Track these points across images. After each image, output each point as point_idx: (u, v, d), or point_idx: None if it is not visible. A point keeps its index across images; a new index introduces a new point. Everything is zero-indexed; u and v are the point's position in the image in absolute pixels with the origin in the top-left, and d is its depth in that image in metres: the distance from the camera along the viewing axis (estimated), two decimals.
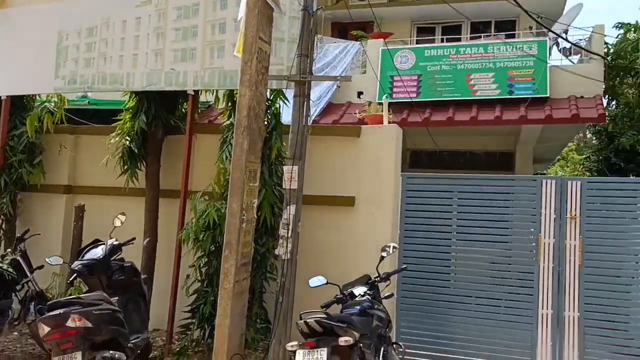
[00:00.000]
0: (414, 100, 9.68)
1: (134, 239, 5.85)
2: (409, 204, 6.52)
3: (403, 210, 6.51)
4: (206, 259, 5.99)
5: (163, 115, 6.98)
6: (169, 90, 6.73)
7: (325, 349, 4.01)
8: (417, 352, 6.34)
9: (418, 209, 6.51)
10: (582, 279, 5.83)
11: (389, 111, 6.91)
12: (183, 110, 7.26)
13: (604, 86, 9.72)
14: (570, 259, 5.91)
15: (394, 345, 5.23)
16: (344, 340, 4.12)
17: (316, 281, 5.15)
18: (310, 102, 10.42)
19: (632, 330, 5.75)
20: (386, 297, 5.35)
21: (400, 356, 5.14)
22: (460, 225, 6.33)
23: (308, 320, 4.17)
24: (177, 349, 5.99)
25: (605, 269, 5.85)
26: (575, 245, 5.91)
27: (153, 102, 6.92)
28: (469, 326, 6.17)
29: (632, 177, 6.67)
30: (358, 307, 4.89)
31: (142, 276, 5.84)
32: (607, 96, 11.35)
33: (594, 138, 14.27)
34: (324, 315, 4.21)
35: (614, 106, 11.82)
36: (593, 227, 5.89)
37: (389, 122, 6.35)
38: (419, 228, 6.49)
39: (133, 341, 4.92)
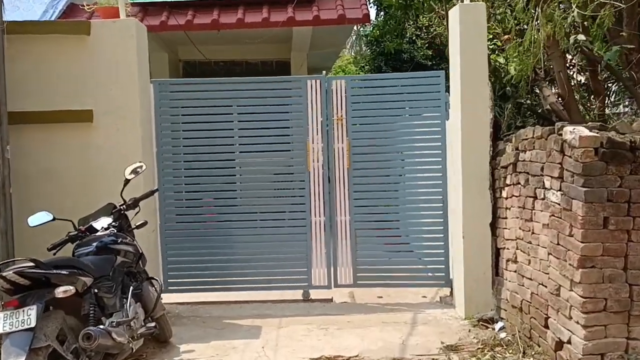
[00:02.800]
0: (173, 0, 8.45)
1: None
2: (166, 116, 5.60)
3: (159, 124, 5.57)
4: None
5: None
6: None
7: (35, 306, 3.04)
8: (189, 279, 5.71)
9: (181, 121, 5.64)
10: (351, 182, 5.63)
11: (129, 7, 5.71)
12: None
13: None
14: (338, 163, 5.64)
15: (152, 281, 4.44)
16: (62, 291, 3.18)
17: (39, 218, 4.03)
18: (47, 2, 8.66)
19: (401, 226, 5.79)
20: (138, 227, 4.48)
21: (158, 292, 4.37)
22: (226, 135, 5.64)
23: (5, 274, 3.11)
24: None
25: (373, 170, 5.72)
26: (342, 148, 5.64)
27: None
28: (249, 245, 5.69)
29: (392, 73, 6.58)
30: (95, 244, 3.96)
31: None
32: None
33: (368, 49, 14.62)
34: (30, 264, 3.18)
35: (382, 15, 11.95)
36: (359, 128, 5.66)
37: (127, 16, 5.18)
38: (187, 143, 5.65)
39: None
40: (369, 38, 13.03)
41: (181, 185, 5.76)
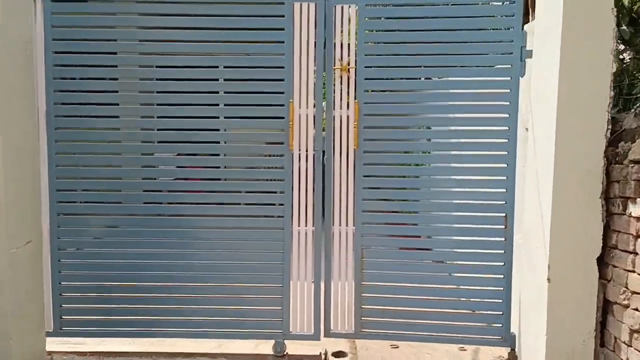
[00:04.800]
0: None
1: None
2: (67, 54, 3.45)
3: (49, 65, 3.42)
4: None
5: None
6: None
7: None
8: (95, 318, 3.63)
9: (88, 63, 3.49)
10: (358, 172, 3.49)
11: None
12: None
13: None
14: (340, 140, 3.50)
15: None
16: None
17: None
18: None
19: (420, 222, 3.65)
20: None
21: None
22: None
23: None
24: None
25: (395, 155, 3.60)
26: (348, 117, 3.48)
27: None
28: (193, 268, 3.60)
29: None
30: None
31: None
32: None
33: None
34: None
35: None
36: (376, 85, 3.48)
37: None
38: (104, 99, 3.52)
39: None
40: None
41: (88, 169, 3.60)
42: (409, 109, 3.58)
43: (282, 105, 3.43)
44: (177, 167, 3.63)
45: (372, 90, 3.45)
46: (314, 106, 3.46)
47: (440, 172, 3.61)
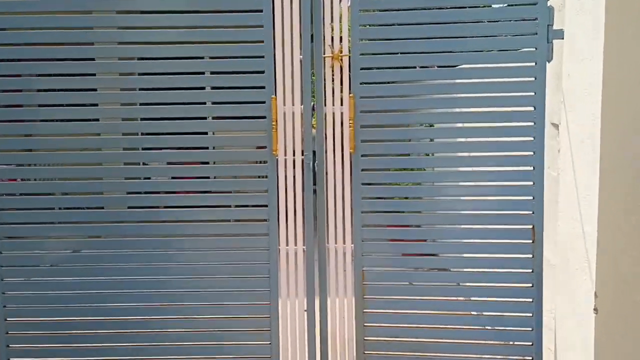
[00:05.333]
0: None
1: None
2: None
3: None
4: None
5: None
6: None
7: None
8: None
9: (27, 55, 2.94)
10: (355, 180, 2.93)
11: None
12: None
13: None
14: (334, 142, 2.94)
15: None
16: None
17: None
18: None
19: (431, 237, 3.16)
20: None
21: None
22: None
23: None
24: None
25: (399, 159, 3.04)
26: (342, 115, 2.93)
27: None
28: (160, 299, 3.02)
29: None
30: None
31: None
32: None
33: None
34: None
35: None
36: (375, 76, 2.92)
37: None
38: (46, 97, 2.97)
39: None
40: None
41: (34, 184, 3.03)
42: (415, 103, 3.04)
43: (264, 102, 2.87)
44: (144, 178, 3.08)
45: (370, 83, 2.89)
46: (301, 103, 2.90)
47: (453, 178, 3.06)
